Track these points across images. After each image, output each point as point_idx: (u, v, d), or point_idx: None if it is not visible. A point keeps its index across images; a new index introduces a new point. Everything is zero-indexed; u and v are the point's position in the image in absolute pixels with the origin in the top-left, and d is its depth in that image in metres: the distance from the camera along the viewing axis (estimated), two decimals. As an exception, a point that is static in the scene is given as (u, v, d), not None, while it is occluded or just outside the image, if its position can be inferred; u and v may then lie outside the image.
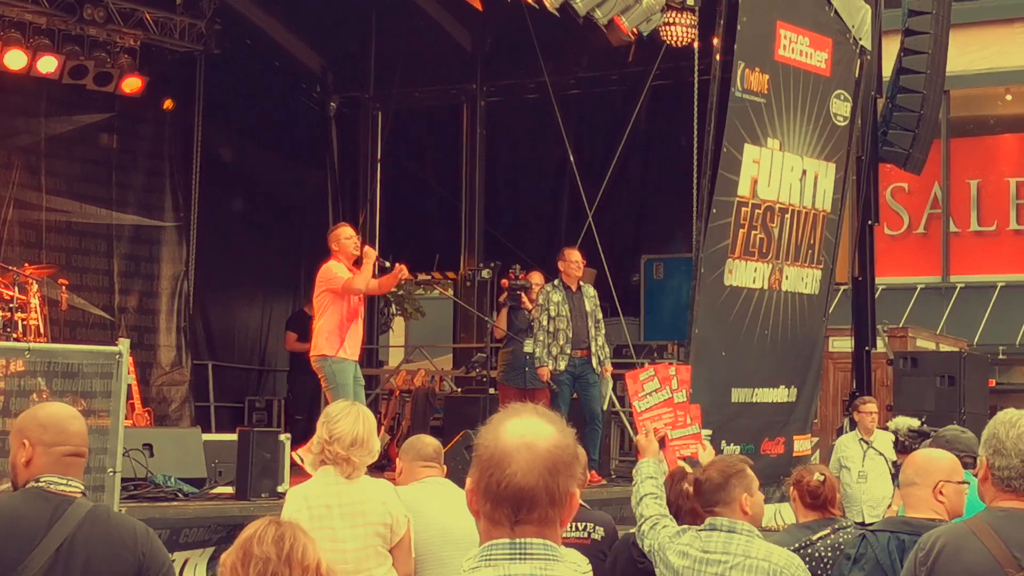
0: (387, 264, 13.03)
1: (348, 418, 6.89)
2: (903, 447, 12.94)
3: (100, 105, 18.14)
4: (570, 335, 14.40)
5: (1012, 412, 4.67)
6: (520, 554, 2.94)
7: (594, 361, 14.43)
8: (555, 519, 2.96)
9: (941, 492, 5.78)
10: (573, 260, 14.52)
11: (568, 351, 14.42)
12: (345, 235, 12.84)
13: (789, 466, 16.03)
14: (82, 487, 4.91)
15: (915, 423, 13.92)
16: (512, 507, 2.94)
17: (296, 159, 20.48)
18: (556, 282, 14.58)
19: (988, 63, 28.13)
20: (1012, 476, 4.53)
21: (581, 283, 14.68)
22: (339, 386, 12.48)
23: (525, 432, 2.98)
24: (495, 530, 2.97)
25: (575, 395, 14.57)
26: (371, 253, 12.73)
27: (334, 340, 12.47)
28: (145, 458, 11.55)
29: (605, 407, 14.77)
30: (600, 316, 14.68)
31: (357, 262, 12.67)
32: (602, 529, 7.73)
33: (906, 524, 5.72)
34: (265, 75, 19.74)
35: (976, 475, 4.74)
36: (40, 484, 4.80)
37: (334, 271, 12.60)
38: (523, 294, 15.68)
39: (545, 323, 14.40)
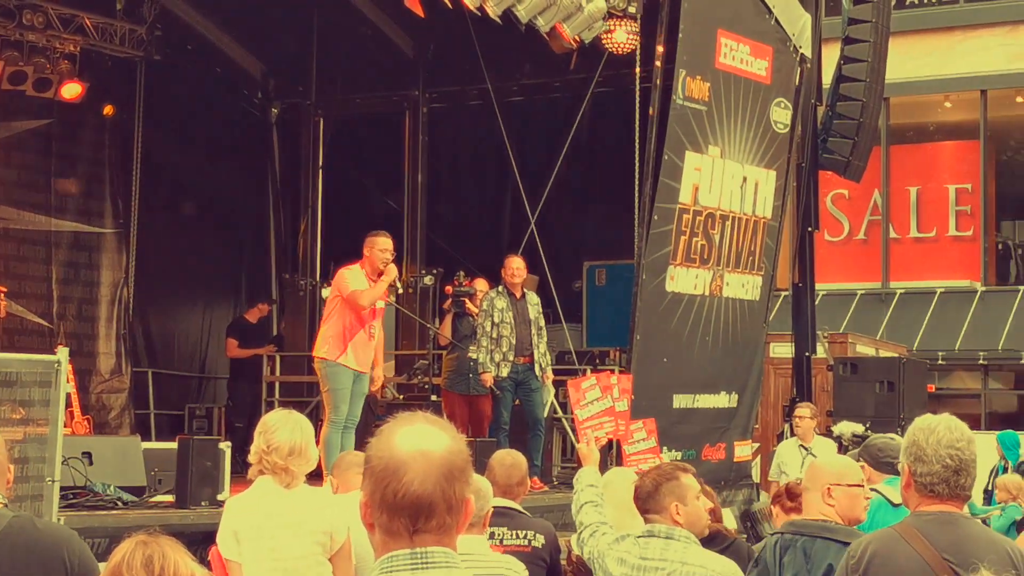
0: (399, 288, 13.02)
1: (285, 428, 6.87)
2: (846, 452, 13.03)
3: (39, 111, 18.01)
4: (513, 342, 14.41)
5: (930, 418, 4.74)
6: (422, 563, 2.93)
7: (536, 368, 14.44)
8: (452, 526, 2.95)
9: (830, 495, 5.96)
10: (514, 267, 14.52)
11: (511, 358, 14.43)
12: (380, 246, 12.68)
13: (730, 472, 16.16)
14: (3, 499, 4.86)
15: (859, 428, 14.06)
16: (410, 517, 2.92)
17: (237, 165, 20.40)
18: (500, 288, 14.59)
19: (928, 71, 28.35)
20: (934, 481, 4.60)
21: (525, 290, 14.69)
22: (335, 390, 12.41)
23: (419, 440, 2.96)
24: (393, 542, 2.95)
25: (517, 401, 14.59)
26: (392, 272, 12.61)
27: (336, 345, 12.41)
28: (84, 466, 11.48)
29: (547, 414, 14.79)
30: (543, 324, 14.70)
31: (379, 274, 12.59)
32: (542, 536, 7.75)
33: (791, 525, 6.10)
34: (206, 81, 19.66)
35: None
36: None
37: (347, 279, 12.50)
38: (467, 300, 15.69)
39: (489, 329, 14.41)
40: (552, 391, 14.95)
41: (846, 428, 14.93)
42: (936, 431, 4.63)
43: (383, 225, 17.89)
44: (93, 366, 18.30)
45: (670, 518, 6.12)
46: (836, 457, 6.34)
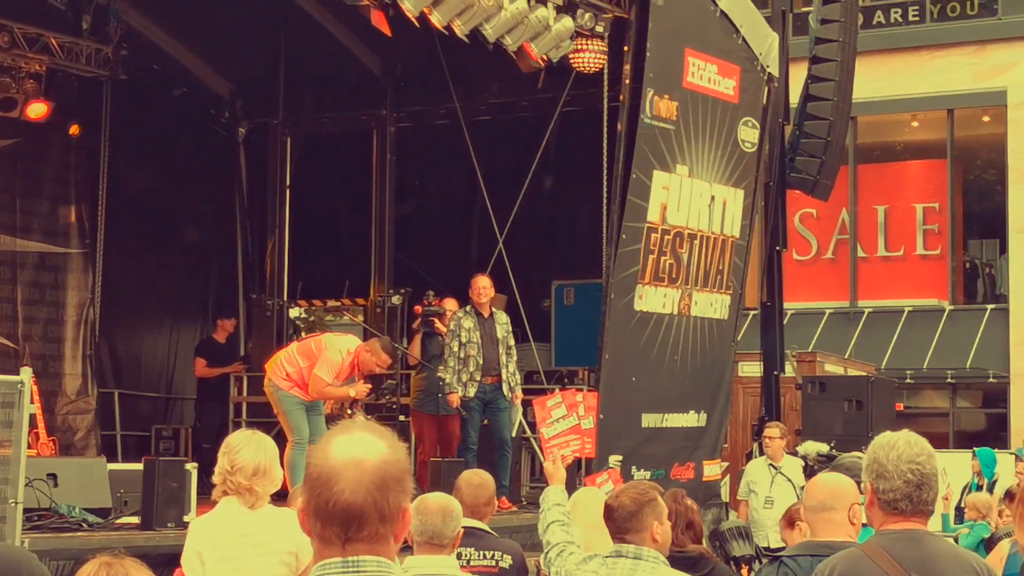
0: (358, 407, 13.20)
1: (249, 447, 6.82)
2: (812, 472, 13.01)
3: (4, 131, 17.90)
4: (480, 362, 14.39)
5: (890, 435, 4.72)
6: (354, 571, 2.91)
7: (505, 388, 14.42)
8: (387, 535, 2.94)
9: (855, 515, 5.82)
10: (480, 286, 14.52)
11: (478, 378, 14.41)
12: (382, 361, 13.03)
13: (699, 491, 16.12)
14: None
15: (824, 448, 14.04)
16: (342, 525, 2.91)
17: (204, 185, 20.33)
18: (468, 308, 14.59)
19: (895, 90, 28.46)
20: (897, 498, 4.57)
21: (494, 310, 14.67)
22: (289, 411, 12.45)
23: (353, 449, 2.94)
24: (327, 550, 2.94)
25: (486, 421, 14.56)
26: (363, 390, 12.77)
27: (286, 382, 12.52)
28: (49, 488, 11.41)
29: (515, 433, 14.75)
30: (512, 343, 14.69)
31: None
32: (510, 557, 7.71)
33: (827, 548, 5.64)
34: (173, 100, 19.59)
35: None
36: None
37: (327, 360, 12.68)
38: (436, 320, 15.66)
39: (456, 349, 14.39)
40: (521, 410, 14.92)
41: (811, 448, 14.92)
42: (896, 447, 4.61)
43: (351, 244, 17.98)
44: (59, 387, 18.18)
45: (649, 538, 6.08)
46: (845, 477, 6.14)
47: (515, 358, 14.69)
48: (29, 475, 10.11)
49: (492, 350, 14.45)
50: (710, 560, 7.72)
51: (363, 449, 2.94)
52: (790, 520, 8.44)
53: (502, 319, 14.68)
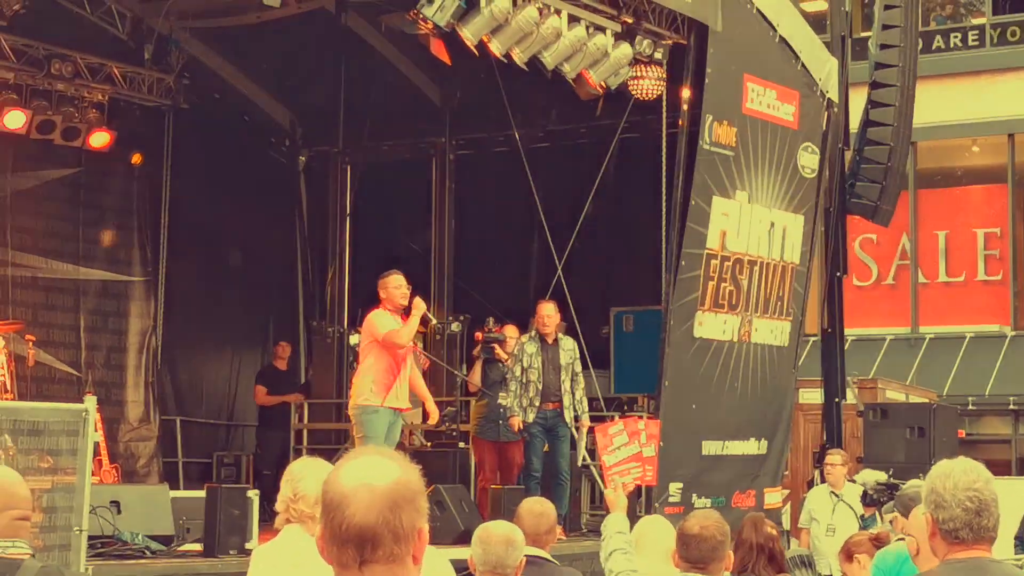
0: (432, 320, 13.06)
1: (312, 476, 6.82)
2: (872, 500, 12.92)
3: (68, 160, 18.10)
4: (540, 387, 14.39)
5: (946, 464, 4.68)
6: None
7: (567, 415, 14.38)
8: (403, 556, 2.96)
9: None
10: (544, 314, 14.53)
11: (537, 403, 14.41)
12: (394, 284, 12.76)
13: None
14: (30, 549, 4.84)
15: (882, 476, 13.93)
16: (356, 547, 2.94)
17: (265, 213, 20.42)
18: (532, 333, 14.62)
19: (955, 115, 28.30)
20: (958, 527, 4.53)
21: (560, 336, 14.66)
22: (368, 438, 12.42)
23: (364, 472, 2.98)
24: (346, 573, 2.98)
25: (547, 448, 14.55)
26: (420, 305, 12.63)
27: (380, 389, 12.43)
28: (112, 515, 11.46)
29: (580, 462, 14.70)
30: (579, 369, 14.64)
31: (405, 311, 12.60)
32: (571, 584, 7.67)
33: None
34: (234, 129, 19.70)
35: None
36: None
37: (376, 322, 12.55)
38: (497, 346, 15.67)
39: (518, 374, 14.42)
40: (586, 438, 14.85)
41: (869, 476, 14.78)
42: (952, 475, 4.58)
43: (411, 272, 18.00)
44: (121, 414, 18.32)
45: (723, 568, 6.05)
46: None
47: (582, 385, 14.65)
48: (93, 502, 10.16)
49: (553, 376, 14.44)
50: None
51: (373, 472, 2.98)
52: (848, 554, 8.37)
53: (567, 345, 14.64)
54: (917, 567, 5.95)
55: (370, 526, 2.93)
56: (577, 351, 14.75)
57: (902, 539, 6.92)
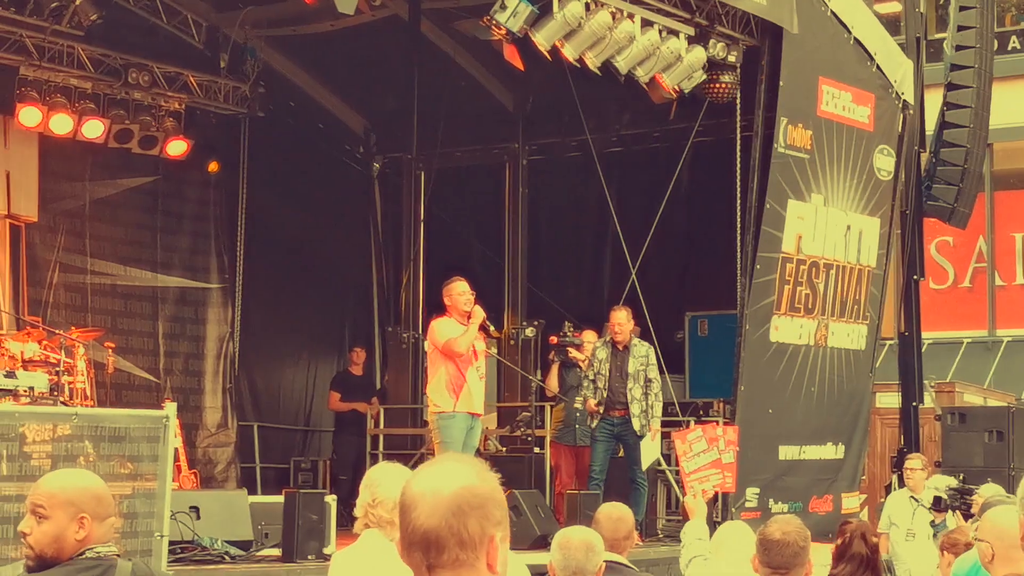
0: (491, 328, 13.16)
1: (391, 481, 6.84)
2: (945, 505, 12.79)
3: (145, 168, 18.27)
4: (605, 395, 14.41)
5: None
6: None
7: (635, 422, 14.35)
8: (471, 563, 2.97)
9: None
10: (616, 321, 14.55)
11: (602, 410, 14.43)
12: (458, 290, 12.86)
13: (837, 524, 15.95)
14: (116, 549, 4.94)
15: (953, 481, 13.77)
16: (422, 551, 2.98)
17: (340, 219, 20.53)
18: (607, 339, 14.65)
19: (1032, 116, 27.99)
20: None
21: (635, 342, 14.64)
22: (445, 443, 12.51)
23: (433, 477, 3.02)
24: None
25: (621, 453, 14.54)
26: (479, 313, 12.71)
27: (448, 396, 12.52)
28: (192, 521, 11.54)
29: (645, 468, 14.65)
30: (654, 376, 14.60)
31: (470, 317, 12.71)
32: (651, 590, 7.67)
33: None
34: (309, 136, 19.84)
35: None
36: (87, 555, 4.82)
37: (438, 330, 12.67)
38: (572, 349, 15.68)
39: (592, 377, 14.50)
40: (655, 444, 14.81)
41: (941, 482, 14.61)
42: None
43: (484, 277, 18.08)
44: (200, 420, 18.47)
45: (802, 575, 6.02)
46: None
47: (656, 391, 14.60)
48: (172, 508, 10.23)
49: (619, 384, 14.44)
50: None
51: (442, 477, 3.01)
52: (942, 547, 8.27)
53: (639, 352, 14.61)
54: (990, 573, 5.89)
55: (433, 529, 2.96)
56: (653, 357, 14.70)
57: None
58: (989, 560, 5.79)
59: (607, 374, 14.44)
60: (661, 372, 17.06)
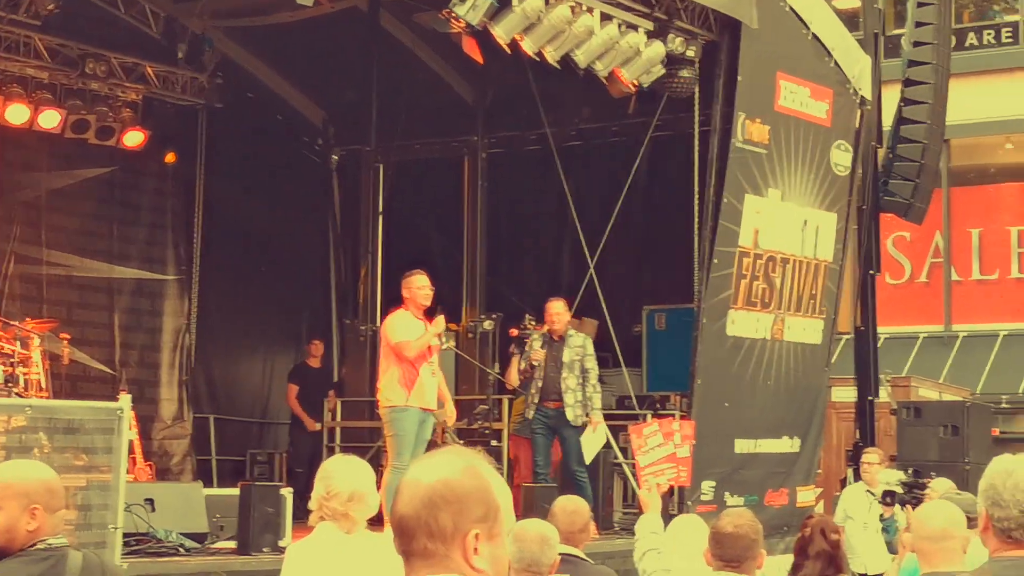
0: (444, 340, 13.13)
1: (345, 473, 6.86)
2: (898, 499, 12.84)
3: (102, 159, 18.17)
4: (540, 385, 14.43)
5: (1007, 460, 4.63)
6: None
7: (569, 413, 14.35)
8: (442, 555, 3.00)
9: (967, 545, 5.71)
10: (552, 311, 14.59)
11: (537, 400, 14.47)
12: (417, 284, 12.78)
13: (792, 517, 16.03)
14: (69, 539, 4.94)
15: (902, 475, 13.83)
16: (398, 537, 3.03)
17: (298, 211, 20.48)
18: (544, 330, 14.68)
19: (988, 112, 28.18)
20: (1012, 527, 4.49)
21: (571, 333, 14.65)
22: (398, 436, 12.47)
23: (422, 467, 3.07)
24: (404, 566, 3.07)
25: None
26: (439, 324, 12.69)
27: (400, 390, 12.46)
28: (147, 513, 11.51)
29: (589, 460, 14.61)
30: (591, 365, 14.57)
31: (428, 312, 12.65)
32: (605, 583, 7.68)
33: None
34: (267, 128, 19.76)
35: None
36: (39, 546, 4.81)
37: (393, 327, 12.60)
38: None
39: (523, 367, 14.62)
40: (596, 433, 14.78)
41: (891, 476, 14.68)
42: (1014, 474, 4.54)
43: (443, 270, 18.06)
44: (155, 412, 18.38)
45: (755, 567, 6.05)
46: (955, 505, 5.98)
47: (593, 382, 14.57)
48: (127, 500, 10.22)
49: (554, 375, 14.46)
50: None
51: (429, 468, 3.05)
52: None
53: (575, 342, 14.60)
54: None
55: (406, 516, 3.00)
56: (590, 347, 14.70)
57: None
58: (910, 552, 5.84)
59: (543, 365, 14.47)
60: (618, 366, 17.13)
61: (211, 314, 19.13)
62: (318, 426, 18.35)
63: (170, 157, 18.90)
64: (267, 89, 19.99)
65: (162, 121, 18.61)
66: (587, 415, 14.44)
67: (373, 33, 18.26)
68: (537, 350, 14.60)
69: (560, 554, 6.89)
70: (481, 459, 3.11)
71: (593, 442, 14.52)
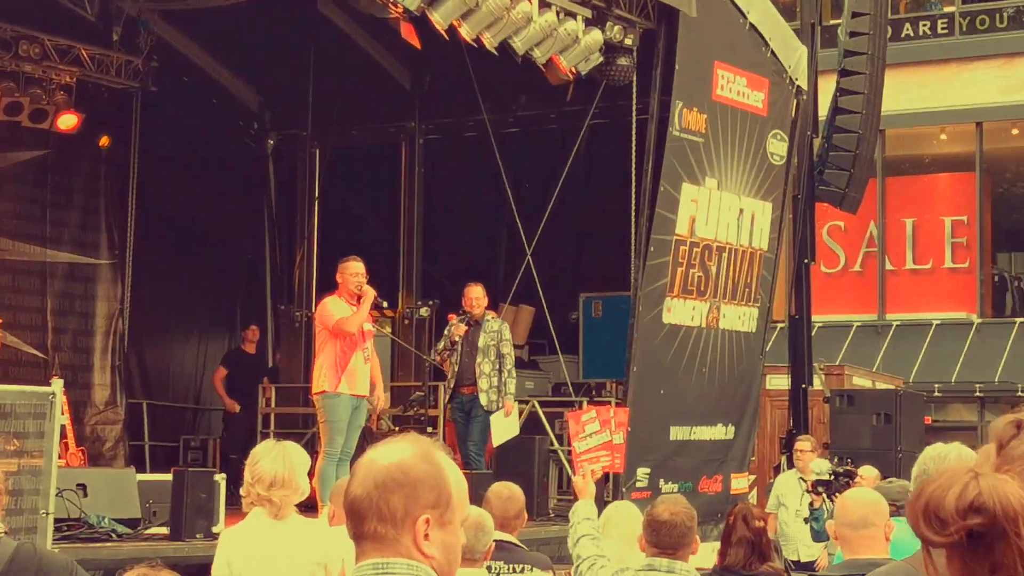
0: (384, 304, 13.08)
1: (268, 458, 6.87)
2: (831, 488, 12.89)
3: (35, 142, 17.99)
4: (456, 370, 14.45)
5: (940, 447, 4.67)
6: (382, 572, 2.99)
7: (483, 398, 14.35)
8: (393, 539, 3.00)
9: (889, 531, 5.74)
10: (472, 296, 14.61)
11: (452, 385, 14.47)
12: (351, 270, 12.78)
13: (726, 504, 16.09)
14: (3, 527, 4.86)
15: (828, 465, 13.89)
16: (350, 519, 3.04)
17: (233, 196, 20.37)
18: (463, 316, 14.69)
19: (923, 103, 28.39)
20: None
21: (489, 318, 14.64)
22: (331, 422, 12.45)
23: (378, 451, 3.08)
24: (356, 549, 3.07)
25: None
26: (369, 292, 12.66)
27: (332, 376, 12.45)
28: (79, 498, 11.43)
29: (497, 443, 14.55)
30: (507, 351, 14.55)
31: (359, 298, 12.64)
32: (540, 570, 7.69)
33: (873, 565, 5.53)
34: (202, 112, 19.61)
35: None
36: None
37: (329, 309, 12.58)
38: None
39: (440, 350, 14.67)
40: (515, 424, 14.77)
41: (822, 466, 14.75)
42: (947, 460, 4.57)
43: (379, 256, 18.03)
44: (88, 397, 18.24)
45: (689, 554, 6.08)
46: (875, 492, 6.00)
47: (509, 367, 14.54)
48: (59, 485, 10.15)
49: (469, 359, 14.45)
50: None
51: (385, 452, 3.05)
52: None
53: (491, 327, 14.59)
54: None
55: (358, 498, 3.00)
56: (507, 332, 14.70)
57: None
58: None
59: (460, 349, 14.47)
60: (554, 352, 17.15)
61: (144, 299, 18.98)
62: (237, 407, 18.28)
63: (104, 141, 18.73)
64: (203, 73, 19.83)
65: (96, 104, 18.44)
66: (501, 400, 14.43)
67: (310, 17, 18.15)
68: (458, 325, 14.59)
69: (494, 540, 6.90)
70: (438, 447, 3.11)
71: (504, 428, 14.46)
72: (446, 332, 14.80)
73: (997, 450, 1.85)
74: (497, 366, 14.45)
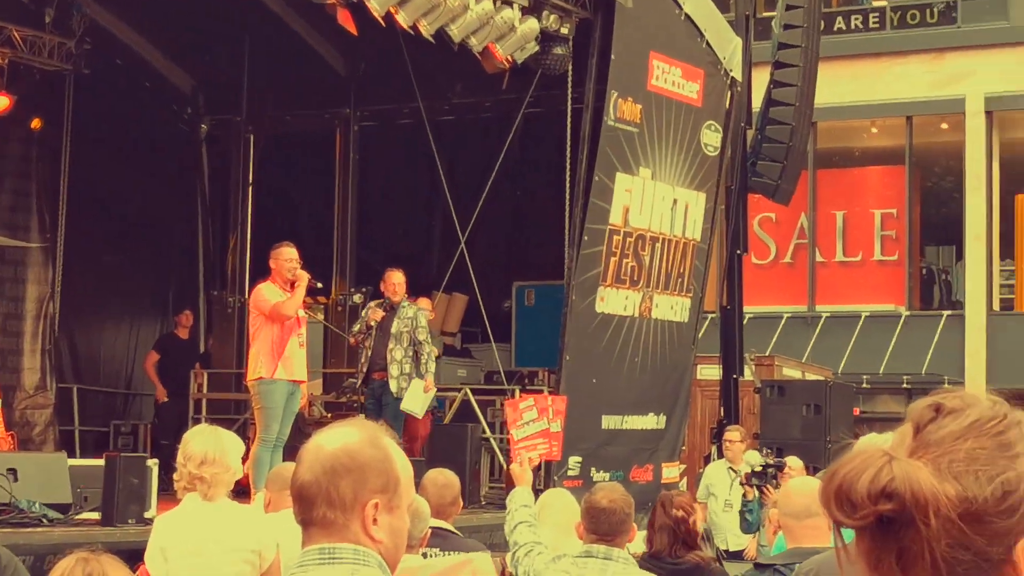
0: (318, 286, 13.08)
1: (198, 437, 6.91)
2: (763, 479, 12.99)
3: (-35, 124, 17.84)
4: (369, 354, 14.43)
5: (874, 437, 4.71)
6: (329, 558, 2.98)
7: (393, 384, 14.31)
8: (342, 524, 2.99)
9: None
10: (393, 281, 14.60)
11: (364, 370, 14.46)
12: (284, 256, 12.76)
13: (657, 493, 16.17)
14: None
15: (759, 457, 14.00)
16: (297, 505, 3.03)
17: (166, 181, 20.25)
18: (381, 301, 14.68)
19: (855, 96, 28.59)
20: None
21: (403, 304, 14.61)
22: (267, 408, 12.43)
23: (324, 436, 3.07)
24: (303, 535, 3.06)
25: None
26: (303, 276, 12.64)
27: (269, 362, 12.42)
28: (9, 483, 11.37)
29: (403, 407, 14.49)
30: (423, 337, 14.52)
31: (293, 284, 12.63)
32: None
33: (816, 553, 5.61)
34: (135, 95, 19.49)
35: None
36: None
37: (264, 294, 12.55)
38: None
39: (357, 331, 14.68)
40: (430, 398, 14.78)
41: (754, 458, 14.86)
42: None
43: (313, 243, 17.98)
44: (17, 381, 18.09)
45: (626, 541, 6.13)
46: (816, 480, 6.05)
47: (428, 351, 14.50)
48: (-11, 470, 10.09)
49: (381, 345, 14.41)
50: (706, 569, 7.67)
51: (331, 437, 3.05)
52: None
53: (406, 313, 14.54)
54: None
55: (305, 483, 2.99)
56: (422, 320, 14.67)
57: None
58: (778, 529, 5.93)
59: (373, 335, 14.46)
60: (487, 341, 17.17)
61: (76, 283, 18.85)
62: (166, 397, 18.20)
63: (36, 123, 18.55)
64: (136, 56, 19.70)
65: (28, 86, 18.26)
66: (422, 378, 14.41)
67: (246, 2, 18.07)
68: (375, 310, 14.57)
69: (430, 527, 6.92)
70: (383, 431, 3.11)
71: (416, 399, 14.40)
72: (363, 315, 14.80)
73: (913, 433, 1.89)
74: (410, 353, 14.43)
